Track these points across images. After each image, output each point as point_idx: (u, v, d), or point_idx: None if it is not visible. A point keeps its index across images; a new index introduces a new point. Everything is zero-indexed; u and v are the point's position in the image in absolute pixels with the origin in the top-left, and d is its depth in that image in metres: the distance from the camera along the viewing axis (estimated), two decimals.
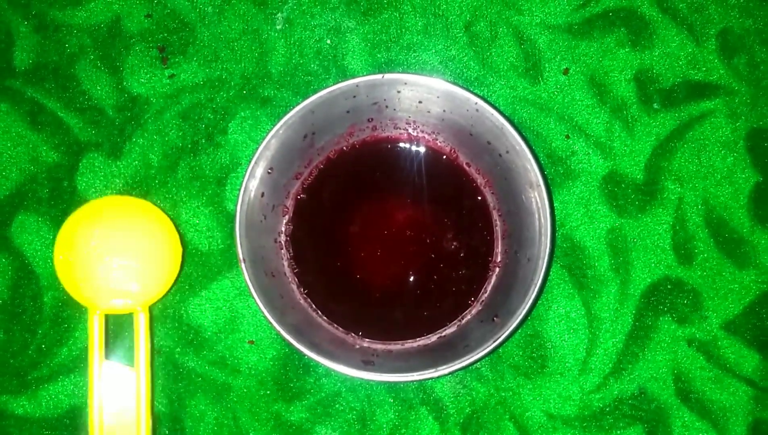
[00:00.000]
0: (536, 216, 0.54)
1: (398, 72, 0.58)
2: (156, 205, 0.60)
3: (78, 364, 0.59)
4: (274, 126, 0.53)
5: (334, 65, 0.62)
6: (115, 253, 0.55)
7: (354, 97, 0.55)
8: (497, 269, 0.58)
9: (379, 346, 0.57)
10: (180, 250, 0.58)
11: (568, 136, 0.61)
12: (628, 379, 0.59)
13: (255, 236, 0.55)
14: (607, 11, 0.63)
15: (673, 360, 0.59)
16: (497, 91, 0.62)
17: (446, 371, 0.51)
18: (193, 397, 0.58)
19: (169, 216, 0.59)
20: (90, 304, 0.56)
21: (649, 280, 0.60)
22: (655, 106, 0.62)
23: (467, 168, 0.59)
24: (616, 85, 0.62)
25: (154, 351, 0.59)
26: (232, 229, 0.54)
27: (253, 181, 0.54)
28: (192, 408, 0.58)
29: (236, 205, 0.53)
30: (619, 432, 0.58)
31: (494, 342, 0.52)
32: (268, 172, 0.55)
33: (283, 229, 0.59)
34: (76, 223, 0.56)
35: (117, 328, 0.59)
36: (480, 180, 0.59)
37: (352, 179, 0.60)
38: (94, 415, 0.54)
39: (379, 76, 0.54)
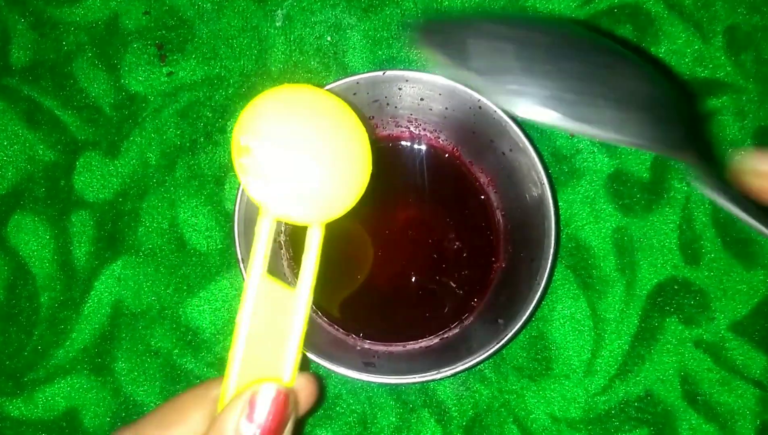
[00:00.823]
0: (540, 215, 0.53)
1: (400, 69, 0.57)
2: (154, 204, 0.59)
3: (75, 365, 0.58)
4: None
5: (335, 62, 0.62)
6: (306, 154, 0.44)
7: (354, 94, 0.54)
8: (500, 270, 0.57)
9: (380, 347, 0.56)
10: (369, 169, 0.46)
11: (572, 134, 0.60)
12: (633, 381, 0.58)
13: (254, 235, 0.54)
14: (613, 7, 0.62)
15: (680, 362, 0.58)
16: None
17: (448, 373, 0.50)
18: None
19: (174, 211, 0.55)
20: (263, 205, 0.44)
21: (656, 281, 0.59)
22: None
23: (470, 166, 0.58)
24: None
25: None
26: (231, 228, 0.53)
27: None
28: None
29: (235, 204, 0.52)
30: None
31: (497, 344, 0.50)
32: None
33: (282, 228, 0.58)
34: (269, 105, 0.44)
35: None
36: (483, 179, 0.58)
37: None
38: (240, 338, 0.43)
39: (380, 73, 0.53)
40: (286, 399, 0.39)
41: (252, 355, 0.42)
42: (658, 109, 0.40)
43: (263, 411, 0.38)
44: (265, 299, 0.44)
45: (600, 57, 0.41)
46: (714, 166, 0.38)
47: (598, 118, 0.37)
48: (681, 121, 0.40)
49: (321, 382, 0.51)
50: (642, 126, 0.38)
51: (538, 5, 0.62)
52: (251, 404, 0.38)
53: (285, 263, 0.57)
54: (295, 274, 0.57)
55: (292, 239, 0.58)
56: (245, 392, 0.39)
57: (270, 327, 0.43)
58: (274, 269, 0.54)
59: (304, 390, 0.42)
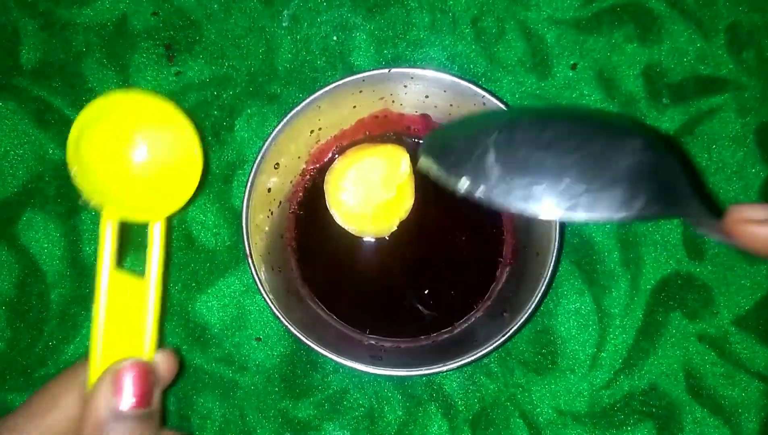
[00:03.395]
0: None
1: (405, 67, 0.58)
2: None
3: (85, 361, 0.58)
4: (280, 121, 0.53)
5: (341, 62, 0.62)
6: (131, 155, 0.47)
7: (360, 92, 0.55)
8: (506, 264, 0.58)
9: (386, 342, 0.57)
10: (200, 158, 0.48)
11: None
12: (638, 375, 0.58)
13: (261, 231, 0.55)
14: (615, 6, 0.63)
15: (684, 356, 0.58)
16: (505, 86, 0.62)
17: (454, 366, 0.51)
18: (201, 394, 0.58)
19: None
20: (103, 208, 0.48)
21: (660, 276, 0.59)
22: (665, 101, 0.61)
23: None
24: (624, 80, 0.62)
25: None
26: (239, 225, 0.54)
27: (259, 176, 0.53)
28: (199, 405, 0.58)
29: (243, 201, 0.53)
30: (629, 428, 0.57)
31: (503, 336, 0.51)
32: (275, 168, 0.55)
33: (290, 224, 0.58)
34: (92, 118, 0.47)
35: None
36: None
37: None
38: (99, 326, 0.47)
39: (385, 71, 0.54)
40: (147, 370, 0.44)
41: (115, 339, 0.47)
42: (663, 178, 0.42)
43: (128, 384, 0.43)
44: (120, 290, 0.48)
45: (600, 139, 0.43)
46: (715, 214, 0.41)
47: (609, 204, 0.40)
48: (683, 181, 0.42)
49: (179, 355, 0.53)
50: (656, 197, 0.41)
51: (541, 3, 0.62)
52: (116, 379, 0.43)
53: (292, 259, 0.58)
54: (302, 270, 0.58)
55: (299, 235, 0.58)
56: (109, 369, 0.43)
57: (128, 313, 0.47)
58: (281, 265, 0.55)
59: (165, 363, 0.46)
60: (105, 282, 0.48)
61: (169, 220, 0.55)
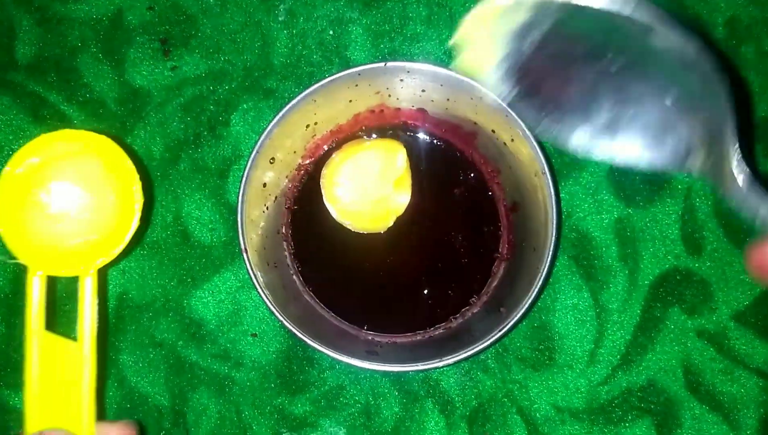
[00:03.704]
0: (542, 205, 0.53)
1: (401, 60, 0.57)
2: (158, 198, 0.60)
3: None
4: (275, 116, 0.53)
5: (337, 56, 0.62)
6: (56, 203, 0.47)
7: (356, 86, 0.55)
8: (503, 260, 0.57)
9: (383, 338, 0.57)
10: (135, 200, 0.48)
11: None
12: (636, 371, 0.58)
13: (257, 226, 0.55)
14: None
15: (683, 351, 0.58)
16: None
17: (451, 361, 0.51)
18: (196, 390, 0.58)
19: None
20: (29, 263, 0.47)
21: (658, 271, 0.59)
22: None
23: (472, 157, 0.58)
24: None
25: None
26: (235, 221, 0.53)
27: (255, 171, 0.53)
28: (195, 401, 0.58)
29: (238, 196, 0.52)
30: (627, 425, 0.57)
31: (500, 331, 0.51)
32: (270, 163, 0.55)
33: (285, 220, 0.58)
34: (15, 165, 0.47)
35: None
36: (485, 170, 0.58)
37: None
38: (31, 395, 0.46)
39: (381, 65, 0.54)
40: None
41: (52, 406, 0.44)
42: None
43: None
44: (53, 353, 0.45)
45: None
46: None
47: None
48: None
49: (138, 428, 0.51)
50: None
51: None
52: None
53: (287, 254, 0.58)
54: (298, 265, 0.57)
55: (294, 230, 0.58)
56: None
57: (63, 379, 0.45)
58: (277, 260, 0.55)
59: None
60: (35, 345, 0.46)
61: (103, 272, 0.53)
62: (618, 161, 0.45)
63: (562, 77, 0.45)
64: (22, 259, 0.47)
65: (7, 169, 0.47)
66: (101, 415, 0.46)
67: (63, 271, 0.47)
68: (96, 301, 0.46)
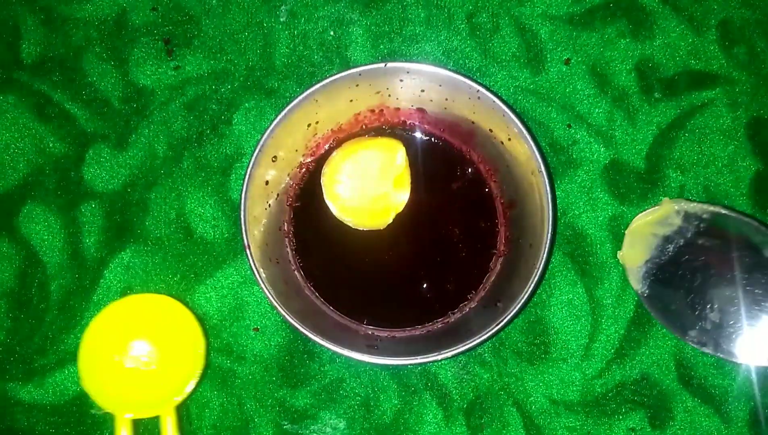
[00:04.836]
0: (538, 202, 0.54)
1: (401, 61, 0.58)
2: (161, 195, 0.61)
3: None
4: (277, 115, 0.54)
5: (338, 56, 0.63)
6: (139, 362, 0.57)
7: (357, 86, 0.56)
8: (500, 256, 0.58)
9: (383, 332, 0.58)
10: (203, 342, 0.58)
11: (570, 126, 0.62)
12: (630, 364, 0.59)
13: (259, 223, 0.56)
14: (608, 2, 0.63)
15: (675, 346, 0.59)
16: (499, 81, 0.62)
17: (449, 354, 0.52)
18: (199, 383, 0.59)
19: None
20: (116, 411, 0.56)
21: None
22: (656, 95, 0.62)
23: (470, 156, 0.60)
24: (617, 74, 0.63)
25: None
26: (237, 217, 0.55)
27: (257, 169, 0.54)
28: (197, 394, 0.59)
29: (241, 193, 0.53)
30: (621, 417, 0.58)
31: (497, 325, 0.52)
32: (272, 161, 0.56)
33: (287, 216, 0.59)
34: (99, 331, 0.57)
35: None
36: (483, 168, 0.59)
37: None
38: None
39: (381, 65, 0.55)
40: None
41: None
42: None
43: None
44: None
45: None
46: None
47: None
48: None
49: None
50: None
51: (535, 0, 0.63)
52: None
53: (289, 250, 0.59)
54: (300, 262, 0.58)
55: (296, 227, 0.59)
56: None
57: None
58: (279, 256, 0.56)
59: None
60: None
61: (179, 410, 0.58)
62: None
63: (689, 285, 0.55)
64: (109, 409, 0.56)
65: (87, 336, 0.57)
66: None
67: (146, 414, 0.56)
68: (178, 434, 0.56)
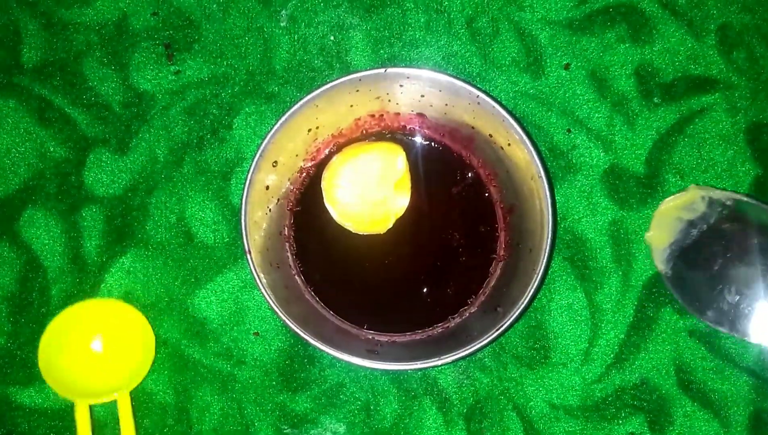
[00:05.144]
0: (538, 208, 0.54)
1: (401, 66, 0.59)
2: (162, 199, 0.61)
3: None
4: (278, 120, 0.54)
5: (338, 61, 0.63)
6: (94, 354, 0.60)
7: (357, 91, 0.56)
8: (500, 261, 0.59)
9: (383, 337, 0.58)
10: (152, 337, 0.60)
11: (569, 130, 0.62)
12: (629, 369, 0.59)
13: (260, 228, 0.56)
14: (608, 7, 0.64)
15: (675, 350, 0.59)
16: (499, 86, 0.63)
17: (449, 360, 0.52)
18: (199, 388, 0.59)
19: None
20: (76, 399, 0.59)
21: (651, 272, 0.60)
22: (656, 100, 0.62)
23: (470, 161, 0.60)
24: (616, 79, 0.63)
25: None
26: (238, 222, 0.55)
27: (258, 174, 0.55)
28: (198, 399, 0.59)
29: (242, 198, 0.54)
30: (621, 422, 0.58)
31: (497, 331, 0.52)
32: (273, 166, 0.56)
33: (287, 221, 0.59)
34: (57, 330, 0.60)
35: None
36: (483, 173, 0.59)
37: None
38: None
39: (381, 71, 0.55)
40: None
41: None
42: None
43: None
44: None
45: None
46: None
47: None
48: None
49: None
50: None
51: (535, 4, 0.63)
52: None
53: (290, 255, 0.59)
54: (300, 266, 0.59)
55: (296, 232, 0.59)
56: None
57: None
58: (279, 261, 0.56)
59: None
60: None
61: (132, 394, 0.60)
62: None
63: (709, 267, 0.58)
64: (68, 397, 0.59)
65: (48, 333, 0.59)
66: None
67: (103, 400, 0.59)
68: (131, 417, 0.59)
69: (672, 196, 0.60)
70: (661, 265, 0.59)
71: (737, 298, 0.56)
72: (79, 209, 0.61)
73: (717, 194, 0.58)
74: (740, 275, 0.57)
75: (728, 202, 0.57)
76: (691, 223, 0.58)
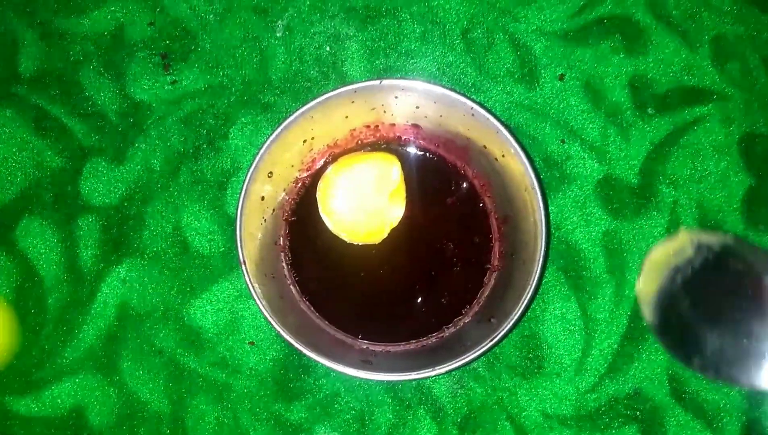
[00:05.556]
0: (531, 219, 0.55)
1: (396, 78, 0.59)
2: (158, 209, 0.61)
3: (81, 364, 0.60)
4: (273, 131, 0.54)
5: (334, 72, 0.63)
6: None
7: (352, 102, 0.56)
8: (494, 271, 0.59)
9: (377, 347, 0.58)
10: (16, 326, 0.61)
11: (563, 141, 0.62)
12: (623, 379, 0.59)
13: (255, 239, 0.56)
14: (602, 18, 0.64)
15: (668, 360, 0.59)
16: (494, 96, 0.63)
17: (443, 370, 0.52)
18: (195, 397, 0.59)
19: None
20: None
21: None
22: (650, 111, 0.63)
23: (464, 172, 0.60)
24: (611, 90, 0.63)
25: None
26: (233, 232, 0.55)
27: (253, 185, 0.55)
28: (193, 408, 0.59)
29: (237, 208, 0.54)
30: (614, 431, 0.59)
31: (491, 341, 0.52)
32: (268, 176, 0.56)
33: (283, 231, 0.59)
34: None
35: None
36: (477, 184, 0.60)
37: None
38: None
39: (376, 82, 0.55)
40: None
41: None
42: None
43: None
44: None
45: None
46: None
47: None
48: None
49: None
50: None
51: (529, 15, 0.64)
52: None
53: (285, 266, 0.59)
54: (295, 277, 0.59)
55: (292, 242, 0.59)
56: None
57: None
58: (274, 271, 0.57)
59: None
60: None
61: None
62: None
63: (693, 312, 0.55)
64: None
65: None
66: None
67: None
68: None
69: (661, 243, 0.58)
70: (648, 315, 0.57)
71: (721, 342, 0.54)
72: (76, 219, 0.62)
73: (705, 238, 0.56)
74: (724, 319, 0.55)
75: (714, 245, 0.56)
76: (678, 269, 0.56)
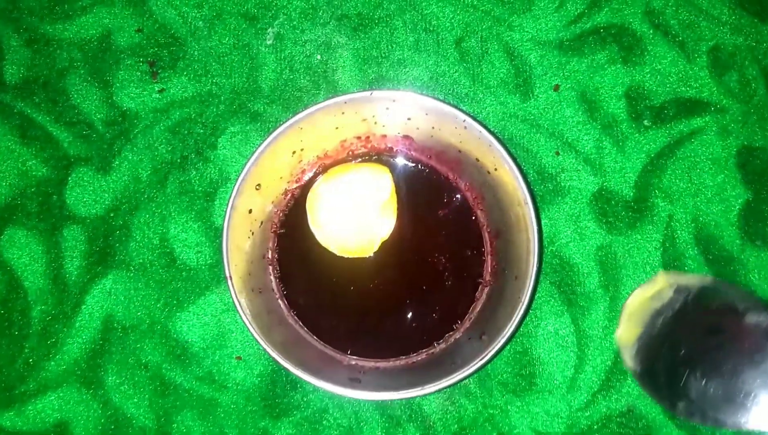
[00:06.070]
0: (524, 233, 0.54)
1: (388, 88, 0.58)
2: (145, 220, 0.60)
3: (66, 378, 0.59)
4: (262, 142, 0.53)
5: (325, 80, 0.62)
6: None
7: (342, 113, 0.55)
8: (486, 287, 0.58)
9: (367, 363, 0.57)
10: None
11: (558, 153, 0.61)
12: (616, 396, 0.58)
13: (242, 252, 0.55)
14: (598, 27, 0.63)
15: None
16: (488, 107, 0.62)
17: (432, 389, 0.51)
18: (180, 412, 0.58)
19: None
20: None
21: None
22: (646, 123, 0.62)
23: (456, 185, 0.59)
24: (606, 101, 0.62)
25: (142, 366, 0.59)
26: (220, 244, 0.54)
27: (240, 198, 0.54)
28: (179, 423, 0.58)
29: (223, 223, 0.53)
30: None
31: (481, 360, 0.51)
32: (256, 188, 0.55)
33: (271, 244, 0.58)
34: None
35: None
36: (469, 197, 0.59)
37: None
38: None
39: (367, 93, 0.54)
40: None
41: None
42: None
43: None
44: None
45: None
46: None
47: None
48: None
49: None
50: None
51: (524, 25, 0.63)
52: None
53: (273, 280, 0.58)
54: (283, 291, 0.58)
55: (280, 256, 0.58)
56: None
57: None
58: (262, 285, 0.56)
59: None
60: None
61: None
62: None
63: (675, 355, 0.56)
64: None
65: None
66: None
67: None
68: None
69: (640, 287, 0.58)
70: (629, 362, 0.57)
71: (704, 384, 0.54)
72: (61, 229, 0.61)
73: (684, 279, 0.57)
74: (706, 360, 0.54)
75: (693, 287, 0.56)
76: (658, 313, 0.56)
